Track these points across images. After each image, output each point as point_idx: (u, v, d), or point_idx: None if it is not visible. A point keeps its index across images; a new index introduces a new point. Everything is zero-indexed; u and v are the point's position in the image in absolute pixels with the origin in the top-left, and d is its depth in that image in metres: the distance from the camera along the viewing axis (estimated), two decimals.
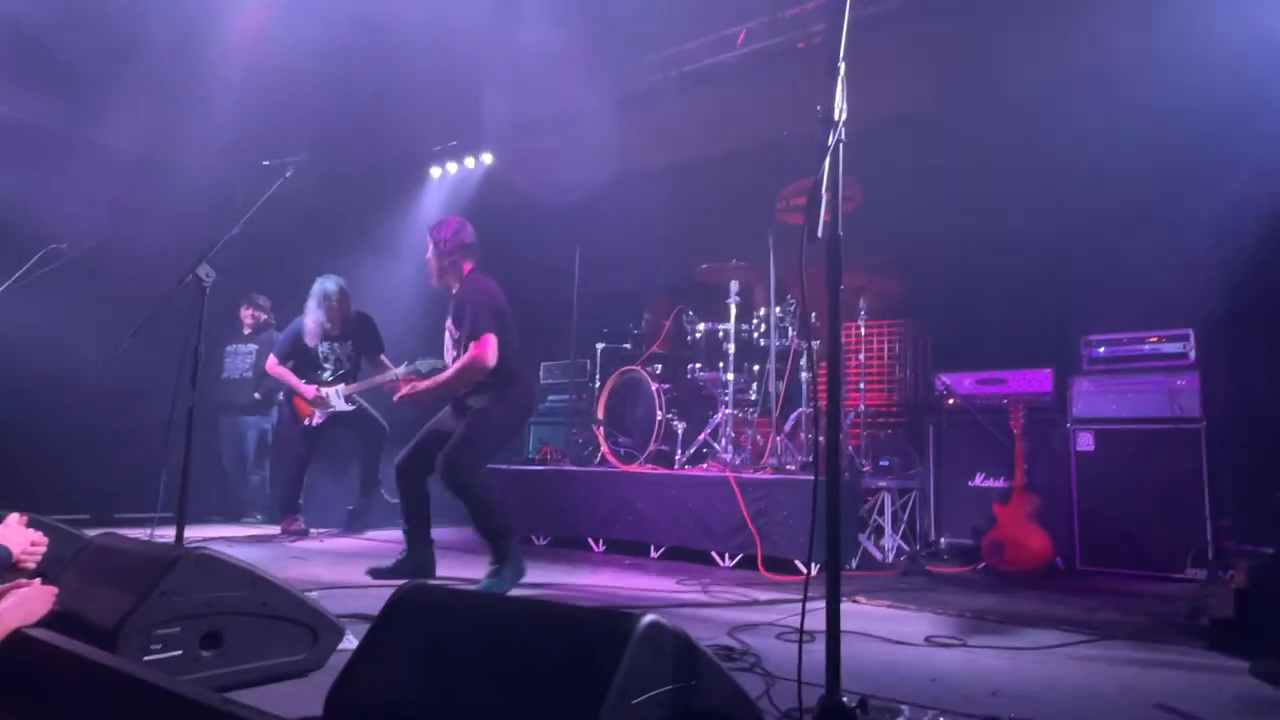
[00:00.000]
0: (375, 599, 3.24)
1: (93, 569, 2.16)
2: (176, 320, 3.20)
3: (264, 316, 6.89)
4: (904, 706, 1.64)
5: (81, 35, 5.54)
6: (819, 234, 1.54)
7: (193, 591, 1.98)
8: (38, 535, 2.35)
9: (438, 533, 4.15)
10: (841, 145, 1.59)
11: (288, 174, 3.40)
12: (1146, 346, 4.71)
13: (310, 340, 5.85)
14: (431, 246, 4.08)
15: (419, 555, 4.01)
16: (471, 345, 3.76)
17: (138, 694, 1.52)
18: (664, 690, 1.25)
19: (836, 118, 1.58)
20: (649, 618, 1.26)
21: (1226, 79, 4.41)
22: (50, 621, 1.93)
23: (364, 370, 6.05)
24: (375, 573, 3.95)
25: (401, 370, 5.81)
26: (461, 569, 4.21)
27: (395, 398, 3.90)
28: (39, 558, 2.32)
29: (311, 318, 5.82)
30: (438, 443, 3.80)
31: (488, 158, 8.20)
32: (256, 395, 6.67)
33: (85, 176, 6.18)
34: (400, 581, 3.71)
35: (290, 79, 6.12)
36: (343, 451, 6.48)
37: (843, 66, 1.59)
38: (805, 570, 4.26)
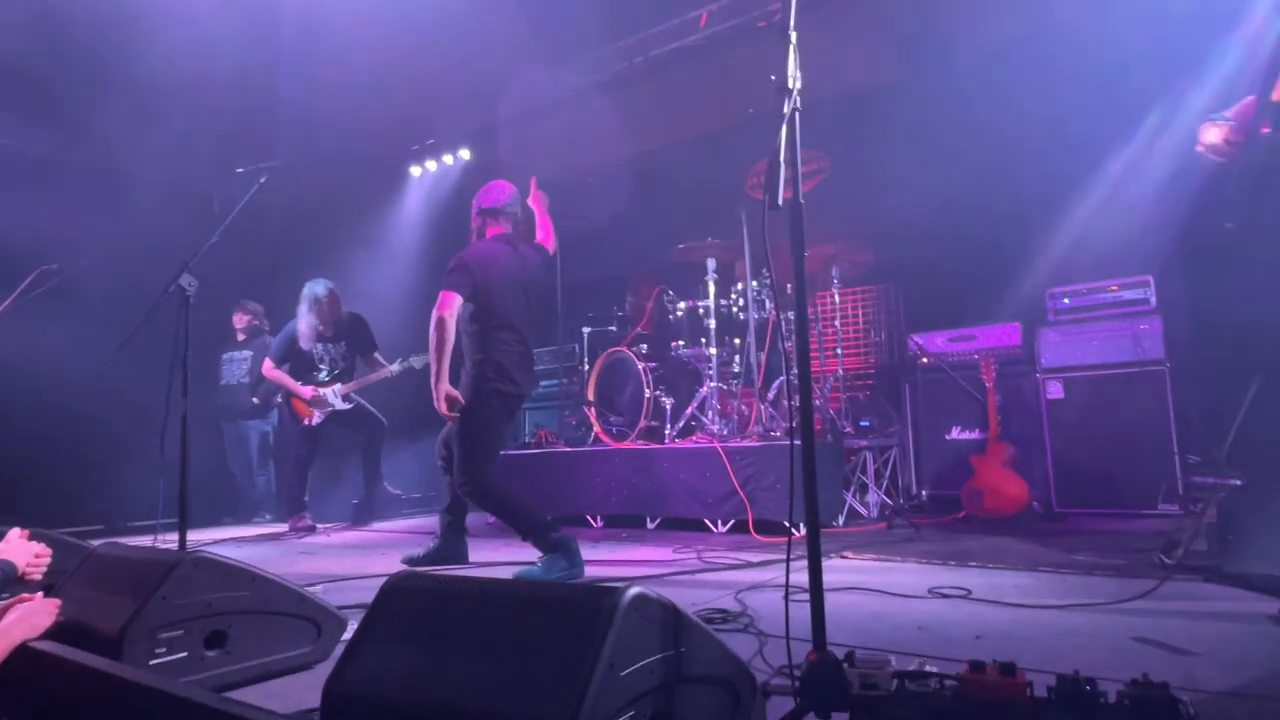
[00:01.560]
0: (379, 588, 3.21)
1: (95, 578, 2.12)
2: (167, 329, 3.13)
3: (257, 322, 6.81)
4: (890, 656, 1.62)
5: (53, 55, 5.40)
6: (779, 203, 1.50)
7: (193, 594, 1.94)
8: (41, 548, 2.30)
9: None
10: (798, 113, 1.55)
11: (262, 180, 3.32)
12: (1109, 295, 4.70)
13: (304, 343, 5.79)
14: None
15: (453, 543, 3.90)
16: None
17: (140, 699, 1.48)
18: (652, 659, 1.22)
19: (790, 85, 1.53)
20: (634, 590, 1.23)
21: (1171, 29, 4.36)
22: (55, 632, 1.88)
23: (359, 369, 6.00)
24: (410, 560, 3.88)
25: (395, 367, 5.79)
26: (491, 553, 4.15)
27: (444, 415, 3.53)
28: (44, 570, 2.28)
29: (304, 321, 5.76)
30: None
31: (465, 154, 8.11)
32: (255, 399, 6.61)
33: (65, 194, 6.06)
34: (435, 569, 3.68)
35: (266, 86, 6.01)
36: (343, 448, 6.44)
37: (793, 35, 1.54)
38: (798, 531, 4.25)
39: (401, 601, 1.40)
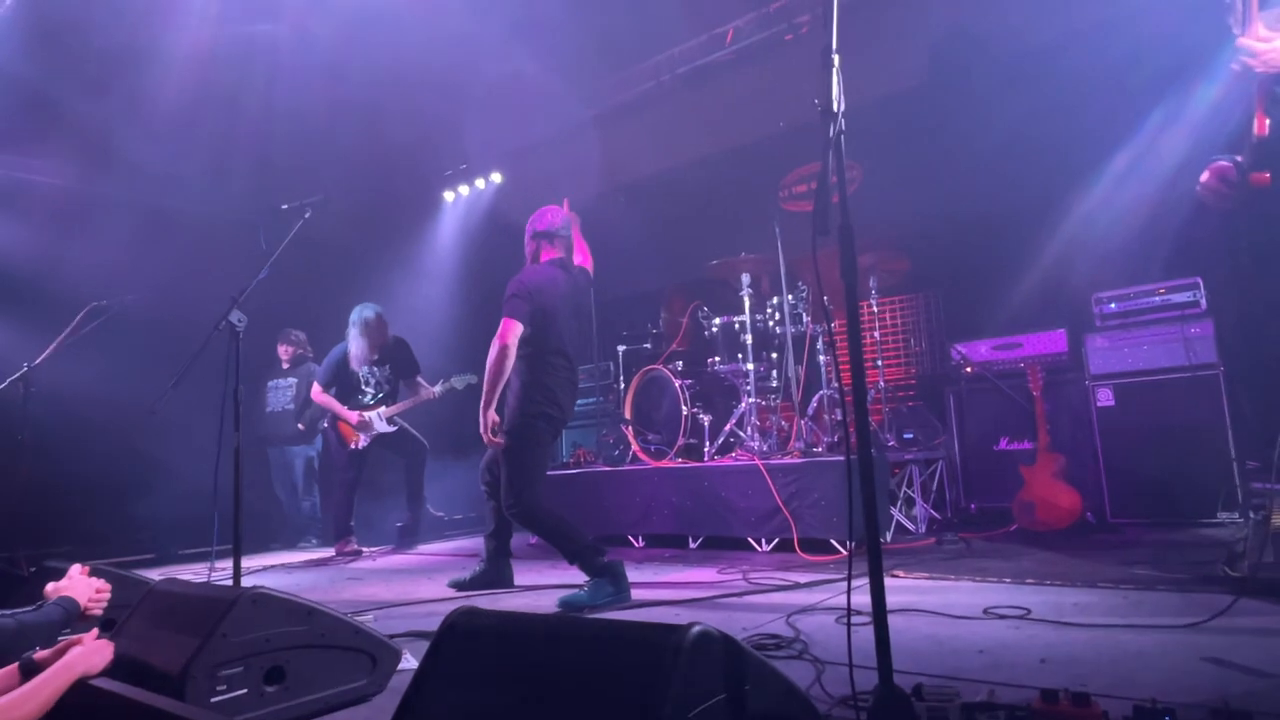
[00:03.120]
0: (429, 615, 3.23)
1: (155, 615, 2.15)
2: (214, 360, 3.19)
3: (301, 350, 6.95)
4: (957, 688, 1.58)
5: (93, 92, 5.57)
6: (828, 229, 1.49)
7: (252, 630, 1.96)
8: (101, 583, 2.35)
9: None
10: (843, 137, 1.53)
11: (306, 215, 3.38)
12: (1157, 298, 4.58)
13: (355, 365, 5.88)
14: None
15: (499, 567, 3.92)
16: None
17: None
18: (719, 699, 1.20)
19: (835, 109, 1.52)
20: (697, 628, 1.21)
21: (1215, 15, 4.26)
22: (115, 670, 1.91)
23: (401, 392, 6.06)
24: (456, 584, 3.91)
25: (438, 389, 5.86)
26: (536, 575, 4.16)
27: (487, 442, 3.55)
28: (104, 605, 2.33)
29: (355, 344, 5.85)
30: None
31: (497, 177, 8.20)
32: (300, 426, 6.71)
33: (114, 232, 6.23)
34: (479, 593, 3.69)
35: (301, 120, 6.13)
36: (387, 471, 6.52)
37: (836, 59, 1.53)
38: (843, 549, 4.20)
39: (461, 641, 1.39)
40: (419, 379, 6.03)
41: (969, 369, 5.14)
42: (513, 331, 3.47)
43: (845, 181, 1.62)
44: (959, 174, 5.30)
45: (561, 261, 3.81)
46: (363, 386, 5.96)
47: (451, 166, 8.46)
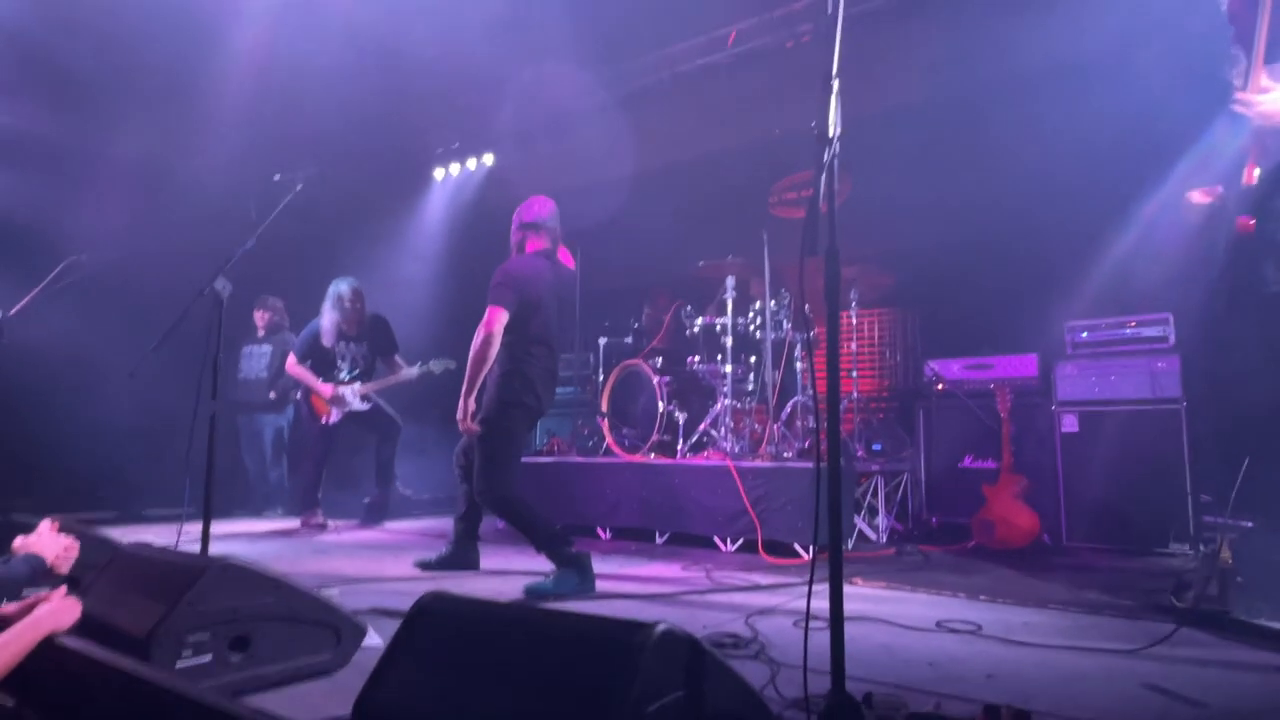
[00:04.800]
0: (394, 594, 3.25)
1: (124, 578, 2.16)
2: (194, 324, 3.19)
3: (277, 318, 6.87)
4: (905, 698, 1.64)
5: (92, 45, 5.48)
6: (817, 250, 1.53)
7: (220, 600, 1.98)
8: (70, 540, 2.35)
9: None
10: (836, 161, 1.57)
11: (298, 187, 3.37)
12: (1128, 330, 4.69)
13: (327, 340, 5.84)
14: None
15: (465, 549, 3.94)
16: None
17: (166, 702, 1.52)
18: (677, 696, 1.25)
19: (831, 134, 1.56)
20: (661, 627, 1.26)
21: (1205, 65, 4.36)
22: (82, 629, 1.92)
23: (378, 370, 6.04)
24: (423, 564, 3.93)
25: (415, 370, 5.84)
26: (503, 560, 4.18)
27: (464, 430, 3.57)
28: (71, 562, 2.33)
29: (328, 318, 5.82)
30: None
31: (489, 159, 8.17)
32: (272, 395, 6.67)
33: (99, 186, 6.14)
34: (445, 574, 3.71)
35: (296, 87, 6.08)
36: (358, 447, 6.50)
37: (836, 84, 1.57)
38: (805, 554, 4.27)
39: (432, 624, 1.42)
40: (397, 358, 6.01)
41: (940, 386, 5.24)
42: (498, 320, 3.50)
43: (835, 205, 1.66)
44: (948, 194, 5.38)
45: (547, 253, 3.83)
46: (338, 363, 5.93)
47: (443, 144, 8.42)
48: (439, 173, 8.50)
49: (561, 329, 3.86)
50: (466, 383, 3.49)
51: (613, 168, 7.13)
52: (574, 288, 4.00)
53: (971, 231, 5.40)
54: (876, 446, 5.27)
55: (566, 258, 4.06)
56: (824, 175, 1.55)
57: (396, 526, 5.94)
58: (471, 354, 3.48)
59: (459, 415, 3.53)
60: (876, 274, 5.35)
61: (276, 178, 3.32)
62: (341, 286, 5.84)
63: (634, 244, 6.74)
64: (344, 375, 5.92)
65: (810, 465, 4.44)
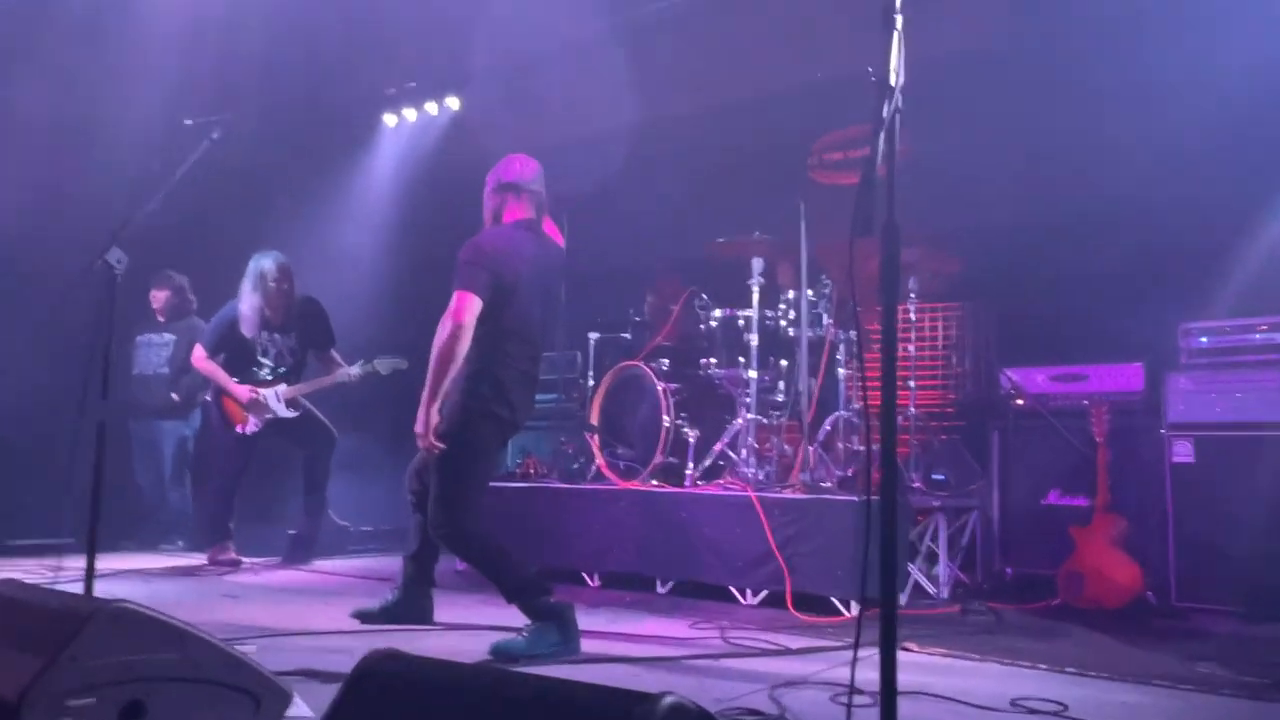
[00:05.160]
0: (327, 651, 3.26)
1: None
2: (83, 311, 3.20)
3: (177, 300, 6.84)
4: None
5: None
6: (872, 229, 1.55)
7: (110, 654, 1.98)
8: None
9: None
10: (899, 117, 1.59)
11: (214, 136, 3.37)
12: (1258, 336, 4.70)
13: (246, 330, 5.85)
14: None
15: (416, 597, 3.92)
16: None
17: None
18: None
19: (893, 83, 1.58)
20: (669, 700, 1.26)
21: None
22: None
23: (310, 368, 6.05)
24: (362, 615, 3.93)
25: (356, 370, 5.84)
26: (463, 611, 4.17)
27: (424, 446, 3.54)
28: None
29: (247, 303, 5.82)
30: None
31: (453, 103, 8.17)
32: (175, 396, 6.68)
33: None
34: (390, 628, 3.72)
35: (224, 19, 6.07)
36: (283, 465, 6.49)
37: (899, 20, 1.58)
38: (847, 610, 4.29)
39: (377, 691, 1.44)
40: (333, 353, 6.03)
41: (1020, 401, 5.25)
42: (469, 308, 3.47)
43: (895, 170, 1.68)
44: (1034, 160, 5.38)
45: (530, 224, 3.83)
46: (259, 357, 5.93)
47: (396, 83, 8.41)
48: (390, 119, 8.50)
49: (547, 324, 3.86)
50: (429, 387, 3.49)
51: (610, 117, 7.13)
52: (562, 270, 4.00)
53: (1062, 207, 5.41)
54: (938, 476, 5.28)
55: (553, 232, 4.06)
56: (883, 134, 1.57)
57: (329, 566, 5.96)
58: (435, 351, 3.47)
59: (418, 428, 3.52)
60: (942, 258, 5.36)
61: (188, 122, 3.33)
62: (265, 262, 5.85)
63: (635, 215, 6.76)
64: (266, 374, 5.93)
65: (855, 498, 4.46)
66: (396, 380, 5.80)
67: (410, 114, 8.42)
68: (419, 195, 8.11)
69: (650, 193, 6.76)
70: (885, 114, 1.59)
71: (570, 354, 6.64)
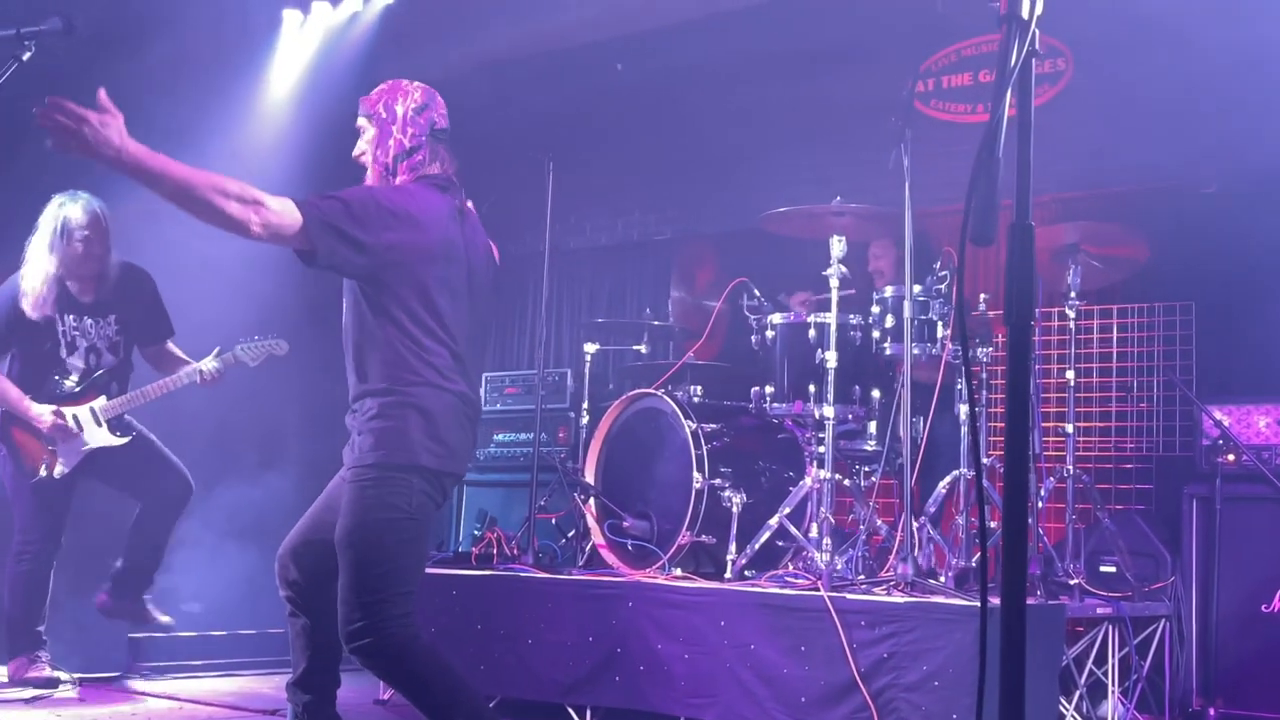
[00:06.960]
0: None
1: None
2: None
3: None
4: None
5: None
6: (992, 235, 1.57)
7: None
8: None
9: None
10: (1034, 63, 1.61)
11: (30, 48, 3.43)
12: None
13: (34, 310, 5.67)
14: (371, 129, 3.82)
15: None
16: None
17: None
18: None
19: (1025, 14, 1.60)
20: None
21: None
22: None
23: (139, 371, 6.02)
24: None
25: (210, 364, 5.64)
26: None
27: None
28: None
29: (38, 267, 5.68)
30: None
31: None
32: None
33: None
34: None
35: None
36: (107, 522, 6.42)
37: None
38: None
39: None
40: (171, 346, 5.94)
41: (1231, 456, 5.25)
42: (289, 230, 3.38)
43: (1031, 135, 1.71)
44: (1245, 91, 5.38)
45: (448, 183, 3.84)
46: (62, 355, 5.84)
47: None
48: (291, 15, 8.60)
49: (508, 323, 3.87)
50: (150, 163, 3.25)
51: (604, 25, 7.16)
52: (493, 268, 3.98)
53: None
54: (1108, 568, 5.30)
55: (475, 221, 4.00)
56: (1009, 90, 1.59)
57: (181, 689, 5.96)
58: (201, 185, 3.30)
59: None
60: (1117, 237, 5.37)
61: None
62: (69, 209, 5.63)
63: (654, 163, 6.79)
64: (74, 383, 5.85)
65: (976, 602, 4.47)
66: (285, 381, 5.79)
67: (320, 9, 8.51)
68: (330, 129, 8.17)
69: (675, 130, 6.78)
70: (1013, 59, 1.60)
71: (555, 374, 6.66)
